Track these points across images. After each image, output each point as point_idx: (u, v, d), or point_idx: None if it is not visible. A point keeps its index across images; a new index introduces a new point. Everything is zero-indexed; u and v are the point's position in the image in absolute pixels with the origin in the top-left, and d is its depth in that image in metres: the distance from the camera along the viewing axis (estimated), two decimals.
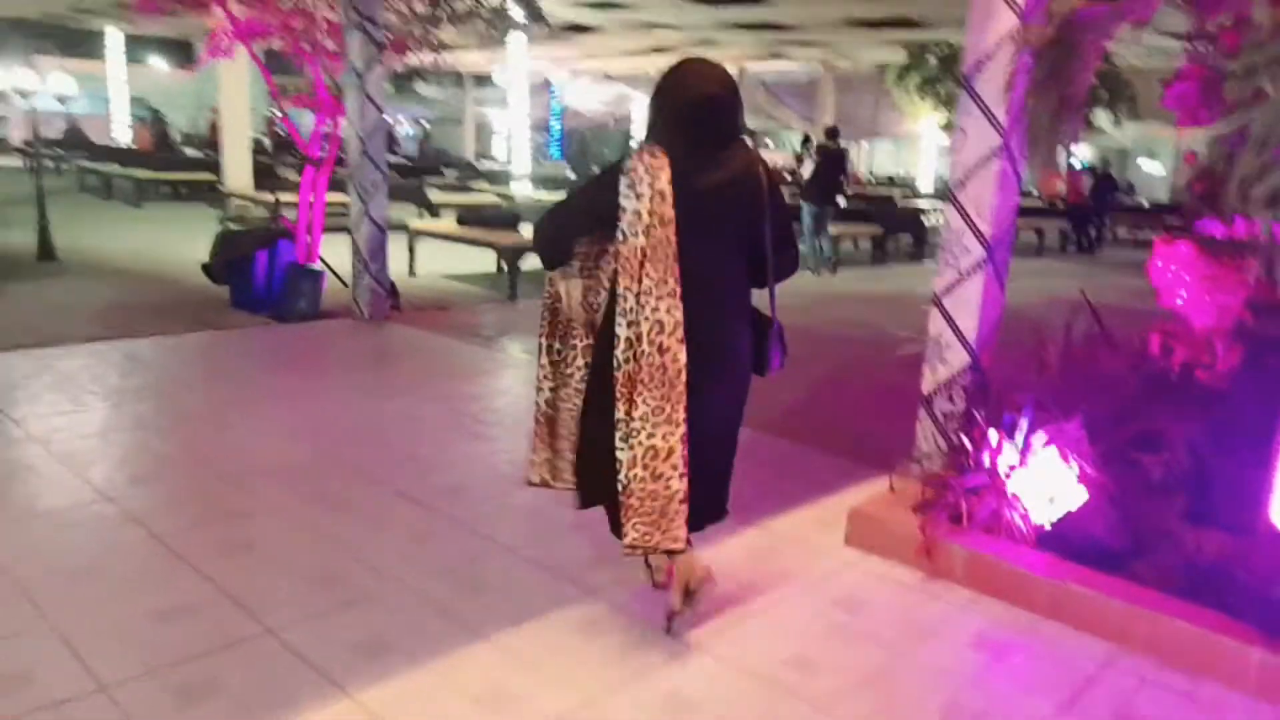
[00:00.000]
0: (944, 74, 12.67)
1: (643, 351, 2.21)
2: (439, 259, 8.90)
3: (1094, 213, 15.56)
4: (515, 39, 14.48)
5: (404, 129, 39.33)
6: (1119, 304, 4.54)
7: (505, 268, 7.68)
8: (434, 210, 12.15)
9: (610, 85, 27.01)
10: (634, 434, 2.23)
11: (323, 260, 6.61)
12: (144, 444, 3.75)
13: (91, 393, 4.35)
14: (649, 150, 2.21)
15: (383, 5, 5.89)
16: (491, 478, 3.55)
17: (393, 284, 6.65)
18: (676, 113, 2.26)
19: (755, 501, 3.26)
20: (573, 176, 19.66)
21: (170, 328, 5.74)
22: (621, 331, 2.23)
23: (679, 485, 2.26)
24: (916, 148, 23.79)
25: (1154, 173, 27.31)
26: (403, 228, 11.26)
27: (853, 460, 3.87)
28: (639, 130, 28.10)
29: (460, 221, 8.35)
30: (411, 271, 8.72)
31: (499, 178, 16.44)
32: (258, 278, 6.39)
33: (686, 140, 2.24)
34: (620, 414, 2.25)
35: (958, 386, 3.10)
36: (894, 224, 12.02)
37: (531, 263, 7.66)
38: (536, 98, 27.71)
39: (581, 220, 2.39)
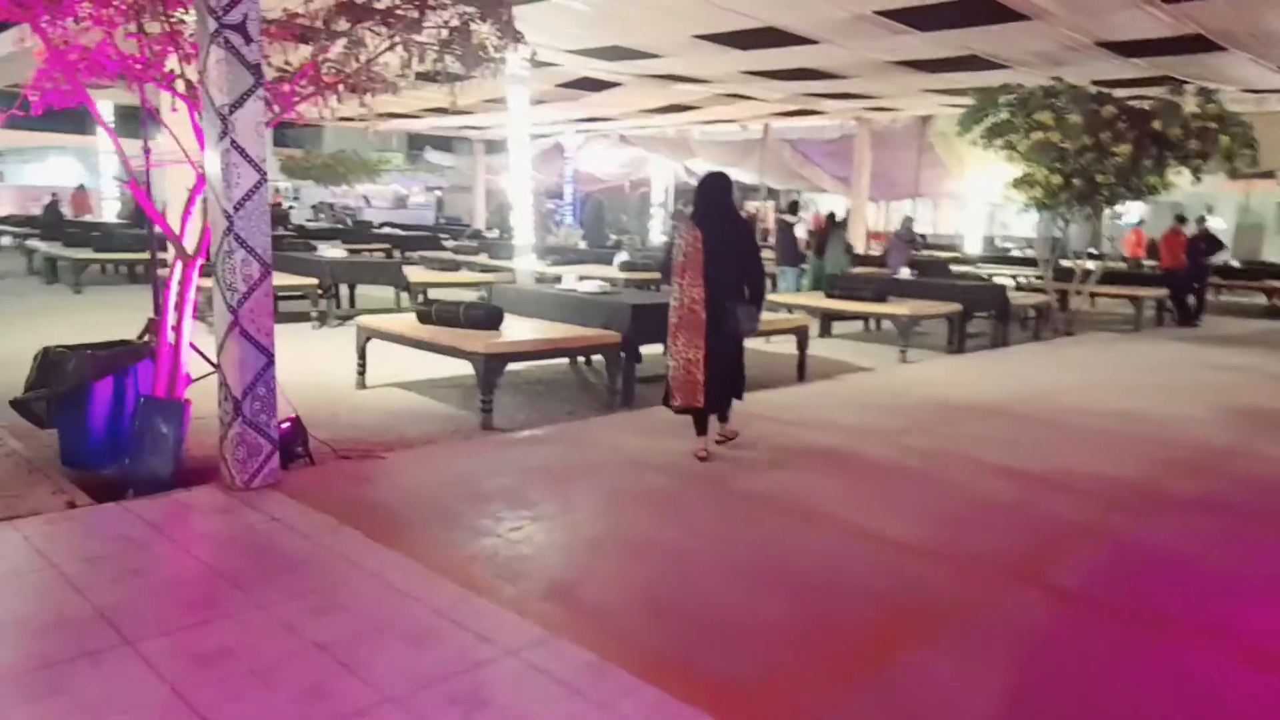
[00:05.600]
0: (1016, 119, 10.59)
1: (682, 312, 4.91)
2: (400, 360, 6.81)
3: (1193, 277, 13.32)
4: (515, 95, 12.63)
5: (418, 198, 38.24)
6: None
7: (481, 377, 5.57)
8: (411, 291, 10.15)
9: (627, 149, 25.28)
10: (676, 354, 4.95)
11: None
12: None
13: None
14: (686, 221, 5.05)
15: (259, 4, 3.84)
16: None
17: (295, 424, 4.54)
18: (700, 200, 5.10)
19: None
20: (583, 245, 17.73)
21: None
22: (673, 303, 4.97)
23: (701, 378, 4.89)
24: (957, 208, 21.93)
25: (1215, 229, 25.24)
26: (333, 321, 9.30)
27: None
28: (658, 194, 26.69)
29: (422, 319, 6.27)
30: (361, 381, 6.62)
31: (503, 249, 14.51)
32: (95, 418, 4.31)
33: (705, 211, 5.02)
34: (669, 345, 5.03)
35: None
36: (974, 301, 9.84)
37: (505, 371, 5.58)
38: (549, 163, 26.13)
39: (667, 255, 5.17)
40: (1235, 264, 16.71)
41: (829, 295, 9.85)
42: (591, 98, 15.97)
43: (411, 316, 6.40)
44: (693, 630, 2.93)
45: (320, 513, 3.79)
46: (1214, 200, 23.69)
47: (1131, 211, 12.43)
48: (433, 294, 10.89)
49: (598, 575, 3.36)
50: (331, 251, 10.54)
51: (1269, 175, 16.53)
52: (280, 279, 9.85)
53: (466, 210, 29.10)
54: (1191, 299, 13.27)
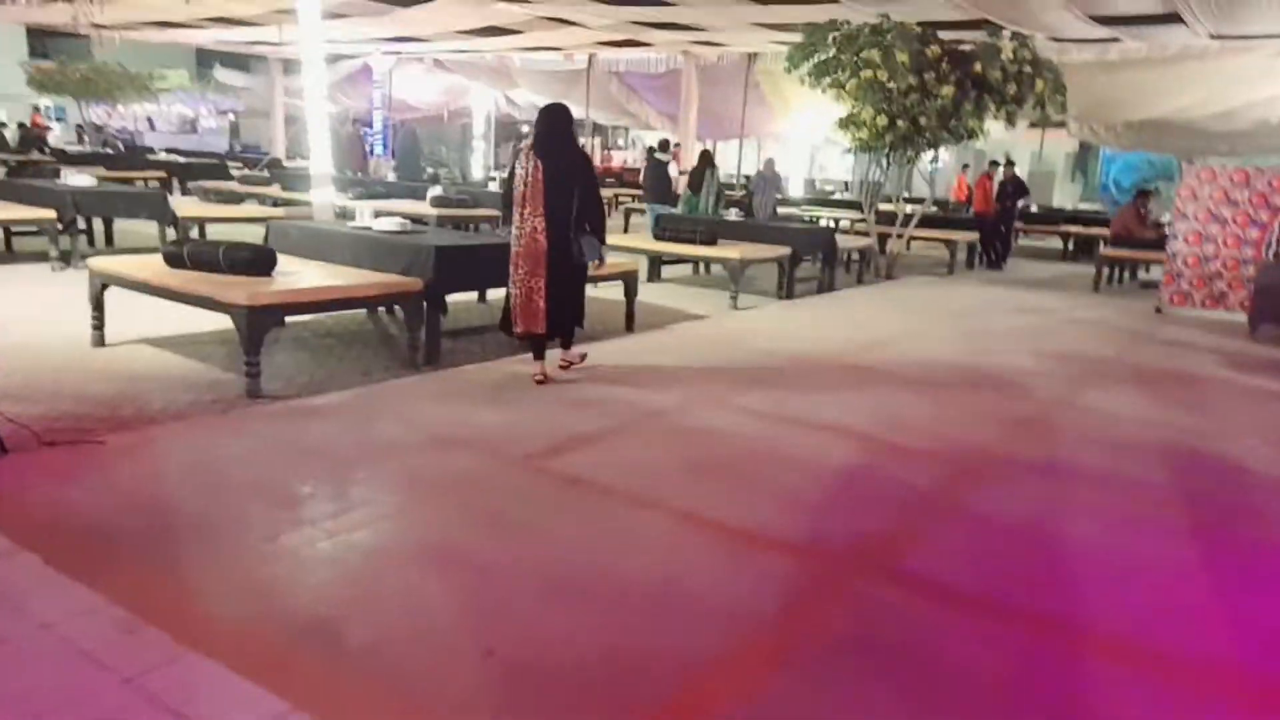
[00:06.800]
0: (843, 56, 10.30)
1: (524, 240, 5.00)
2: (157, 311, 5.63)
3: (1001, 222, 13.79)
4: (306, 3, 11.05)
5: (209, 121, 34.47)
6: None
7: (245, 336, 4.56)
8: (178, 226, 8.69)
9: (445, 75, 23.55)
10: (518, 281, 5.06)
11: None
12: None
13: None
14: (528, 149, 5.07)
15: None
16: None
17: None
18: (541, 130, 5.13)
19: None
20: (392, 178, 16.31)
21: None
22: (515, 231, 5.04)
23: (542, 305, 5.03)
24: (780, 148, 21.97)
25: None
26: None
27: None
28: (478, 125, 25.16)
29: (172, 261, 5.12)
30: (99, 338, 5.42)
31: (300, 181, 12.94)
32: None
33: (546, 142, 5.05)
34: (511, 272, 5.10)
35: None
36: (804, 245, 9.55)
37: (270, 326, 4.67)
38: (357, 87, 24.01)
39: (509, 184, 5.19)
40: (1034, 209, 17.56)
41: (657, 238, 9.27)
42: (399, 13, 14.45)
43: (158, 259, 5.22)
44: (497, 681, 2.26)
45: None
46: (1010, 148, 25.07)
47: (924, 161, 12.65)
48: (210, 231, 9.49)
49: (374, 605, 2.60)
50: (75, 179, 8.82)
51: (1060, 125, 17.48)
52: (7, 211, 8.19)
53: (267, 138, 26.40)
54: (998, 244, 13.75)
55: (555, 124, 5.12)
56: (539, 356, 5.22)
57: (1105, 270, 12.04)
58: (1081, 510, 3.76)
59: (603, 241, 5.21)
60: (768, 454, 4.22)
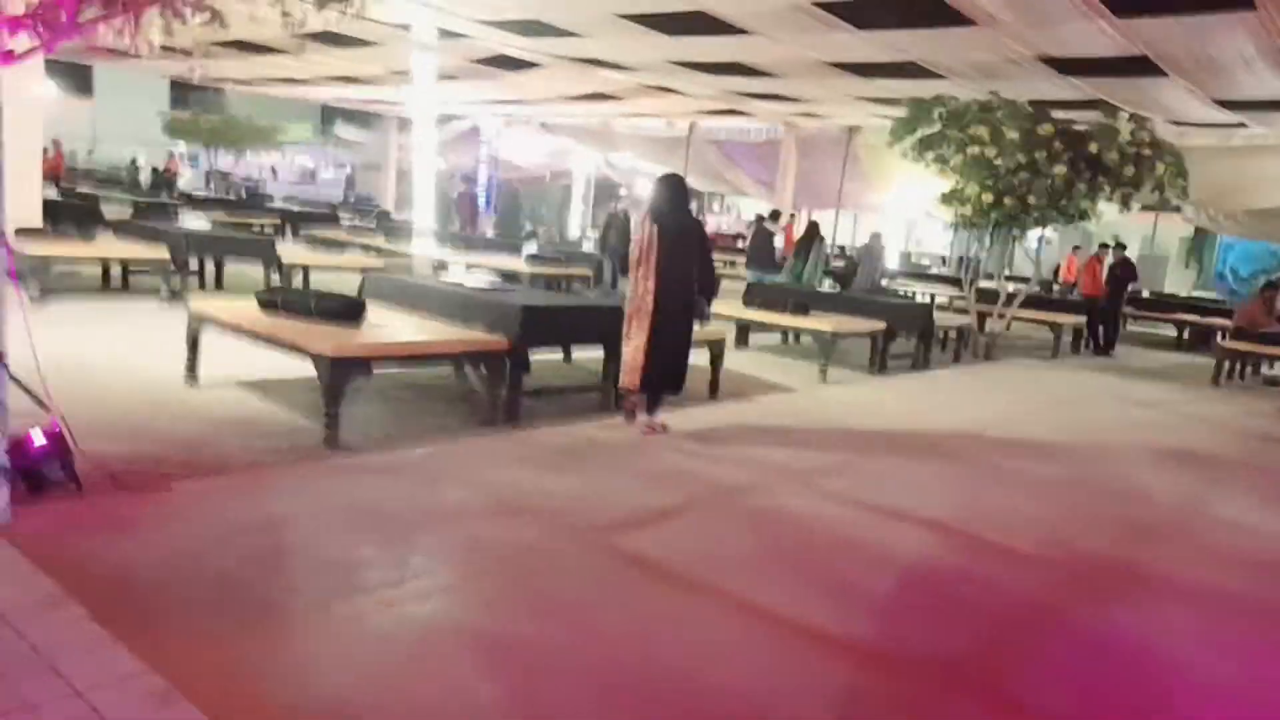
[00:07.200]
0: (950, 132, 10.05)
1: (636, 301, 5.33)
2: (250, 353, 5.71)
3: (1110, 306, 13.12)
4: (420, 65, 11.51)
5: (327, 173, 36.24)
6: None
7: (326, 385, 4.56)
8: (283, 270, 8.97)
9: (549, 138, 24.20)
10: (628, 338, 5.38)
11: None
12: None
13: None
14: (643, 214, 5.52)
15: None
16: None
17: (55, 438, 3.47)
18: (658, 198, 5.48)
19: None
20: (490, 235, 16.66)
21: None
22: (629, 293, 5.41)
23: (642, 362, 5.31)
24: (877, 221, 21.64)
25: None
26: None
27: None
28: (579, 187, 25.68)
29: (265, 307, 5.20)
30: (192, 375, 5.53)
31: (403, 232, 13.34)
32: None
33: (660, 209, 5.39)
34: (624, 329, 5.44)
35: None
36: (899, 320, 9.23)
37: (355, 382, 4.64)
38: (466, 146, 24.87)
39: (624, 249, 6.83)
40: (1146, 294, 16.72)
41: (746, 304, 9.11)
42: (509, 77, 14.91)
43: (254, 302, 5.31)
44: None
45: (46, 574, 2.76)
46: (1121, 230, 24.06)
47: (1029, 239, 12.17)
48: (314, 278, 9.78)
49: (415, 694, 2.44)
50: (191, 221, 9.25)
51: (1175, 209, 16.67)
52: (126, 249, 8.61)
53: (381, 191, 27.56)
54: (1100, 328, 13.07)
55: (672, 192, 5.48)
56: (646, 409, 5.51)
57: (1225, 363, 11.27)
58: (1215, 640, 3.34)
59: (710, 303, 5.74)
60: (851, 544, 3.93)
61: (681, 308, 5.33)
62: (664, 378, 5.43)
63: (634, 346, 5.35)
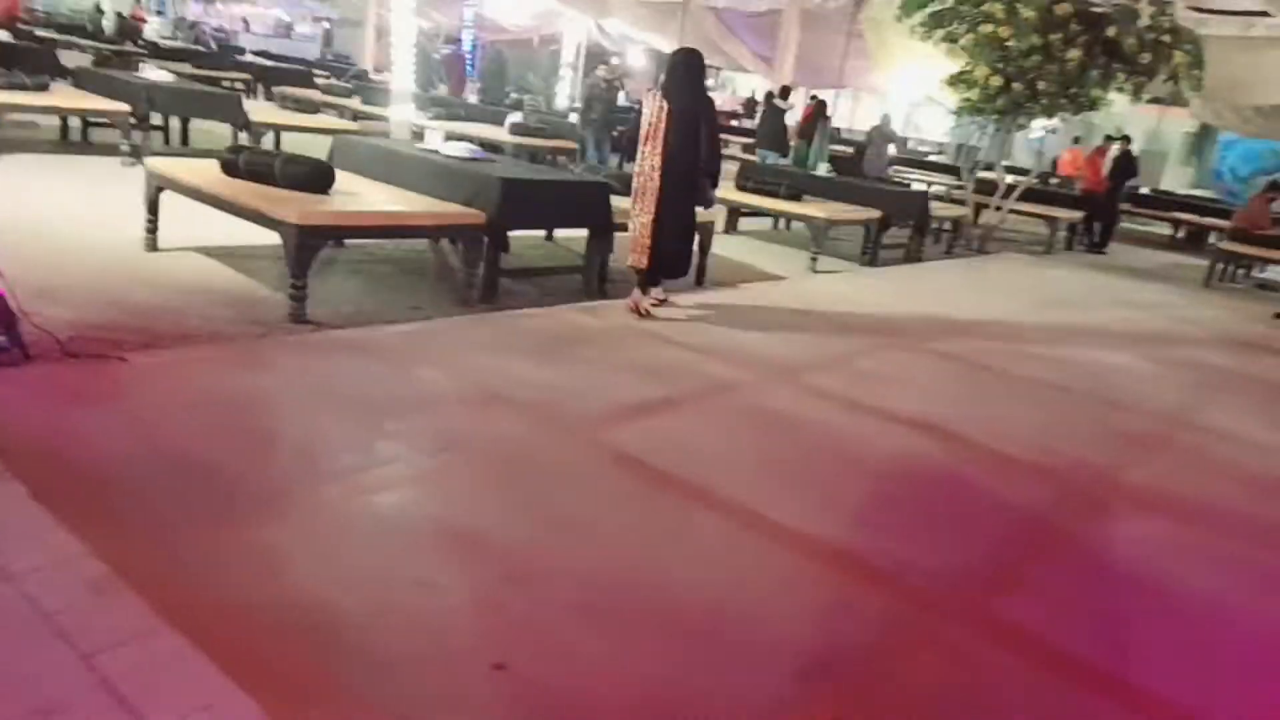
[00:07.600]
0: (963, 8, 9.46)
1: (642, 178, 5.18)
2: (213, 216, 5.37)
3: (1108, 200, 12.81)
4: None
5: (304, 28, 34.40)
6: None
7: (292, 256, 4.27)
8: (251, 131, 8.46)
9: None
10: (634, 216, 5.26)
11: None
12: None
13: None
14: (652, 90, 5.25)
15: None
16: None
17: (2, 304, 3.20)
18: (672, 72, 5.24)
19: None
20: (473, 100, 15.90)
21: None
22: (635, 169, 5.24)
23: (648, 243, 5.20)
24: (877, 103, 20.82)
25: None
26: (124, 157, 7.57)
27: None
28: (568, 53, 24.47)
29: (228, 169, 4.83)
30: (152, 240, 5.21)
31: (382, 95, 12.63)
32: None
33: (675, 86, 5.16)
34: (630, 207, 5.30)
35: None
36: (895, 209, 8.91)
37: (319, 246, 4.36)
38: (449, 4, 23.53)
39: (634, 126, 5.41)
40: (1146, 191, 16.36)
41: (739, 188, 8.73)
42: None
43: (215, 164, 4.94)
44: (503, 699, 1.93)
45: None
46: (1124, 123, 23.37)
47: (1033, 128, 11.70)
48: (285, 140, 9.26)
49: (380, 595, 2.29)
50: (152, 73, 8.63)
51: (1182, 104, 16.12)
52: (82, 100, 8.05)
53: (359, 48, 26.17)
54: (1096, 225, 12.82)
55: (685, 70, 5.26)
56: (643, 290, 5.37)
57: (1219, 265, 11.11)
58: (1215, 562, 3.25)
59: (715, 186, 5.52)
60: (846, 450, 3.80)
61: (687, 189, 5.23)
62: (665, 259, 5.35)
63: (640, 224, 5.24)
